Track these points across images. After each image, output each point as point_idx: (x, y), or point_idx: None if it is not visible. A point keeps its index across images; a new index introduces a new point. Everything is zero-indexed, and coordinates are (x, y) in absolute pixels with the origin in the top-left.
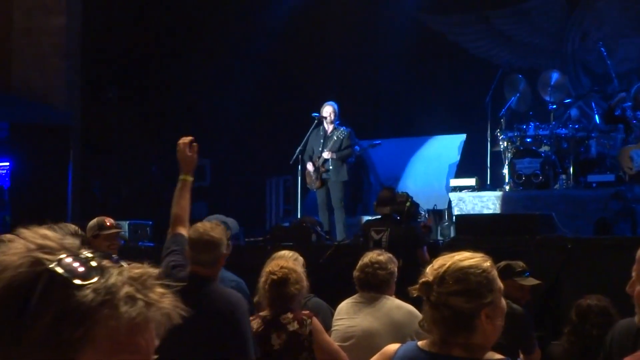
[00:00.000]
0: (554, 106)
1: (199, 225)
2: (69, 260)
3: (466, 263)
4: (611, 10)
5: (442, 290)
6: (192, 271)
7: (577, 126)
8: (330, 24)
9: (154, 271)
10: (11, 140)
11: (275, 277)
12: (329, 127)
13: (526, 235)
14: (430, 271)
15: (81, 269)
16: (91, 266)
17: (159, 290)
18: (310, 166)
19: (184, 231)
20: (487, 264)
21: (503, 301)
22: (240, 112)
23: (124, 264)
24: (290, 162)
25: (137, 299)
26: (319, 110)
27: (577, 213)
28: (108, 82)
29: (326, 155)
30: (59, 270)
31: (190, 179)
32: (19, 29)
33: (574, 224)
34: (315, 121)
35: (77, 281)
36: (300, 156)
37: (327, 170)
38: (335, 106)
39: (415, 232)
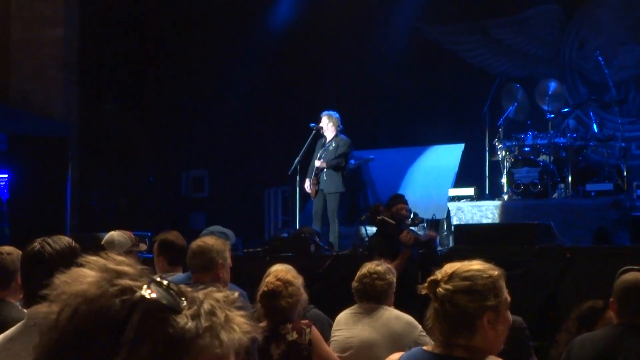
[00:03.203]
0: (552, 115)
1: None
2: (156, 287)
3: (476, 267)
4: (608, 18)
5: (448, 286)
6: (193, 281)
7: (575, 135)
8: (328, 34)
9: (233, 294)
10: (10, 152)
11: (266, 289)
12: (327, 136)
13: (525, 244)
14: (440, 272)
15: (168, 296)
16: (174, 292)
17: (241, 312)
18: (306, 183)
19: None
20: (496, 272)
21: (509, 314)
22: (238, 123)
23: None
24: (289, 173)
25: (233, 324)
26: (317, 121)
27: (576, 222)
28: (106, 93)
29: (317, 163)
30: (154, 298)
31: None
32: (16, 41)
33: (572, 233)
34: (314, 132)
35: (174, 308)
36: (298, 167)
37: (319, 182)
38: (334, 115)
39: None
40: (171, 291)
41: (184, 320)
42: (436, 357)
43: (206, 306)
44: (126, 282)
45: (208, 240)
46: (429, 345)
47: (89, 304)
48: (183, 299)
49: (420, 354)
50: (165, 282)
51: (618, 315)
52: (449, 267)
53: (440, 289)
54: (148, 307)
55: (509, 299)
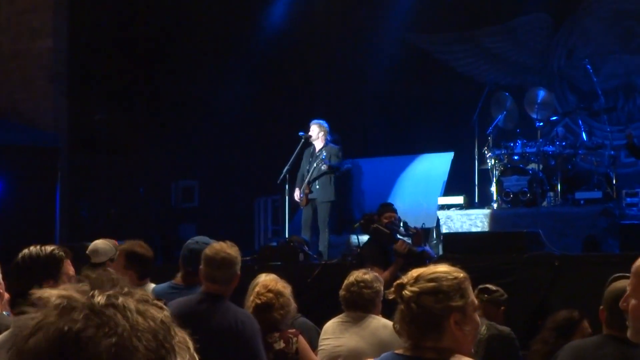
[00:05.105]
0: (541, 123)
1: (215, 244)
2: None
3: (441, 269)
4: (597, 27)
5: (414, 288)
6: (205, 289)
7: (564, 143)
8: (317, 43)
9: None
10: None
11: (259, 301)
12: (317, 145)
13: (514, 253)
14: (405, 276)
15: None
16: None
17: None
18: (296, 193)
19: None
20: (462, 274)
21: (476, 316)
22: (227, 133)
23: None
24: (278, 182)
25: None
26: (306, 129)
27: (565, 230)
28: (95, 104)
29: (323, 167)
30: None
31: None
32: (6, 52)
33: (562, 241)
34: (302, 140)
35: None
36: (287, 175)
37: (311, 191)
38: (324, 124)
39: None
40: None
41: None
42: (407, 358)
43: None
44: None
45: (231, 251)
46: (400, 349)
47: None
48: None
49: (391, 358)
50: None
51: (607, 326)
52: (415, 271)
53: (406, 292)
54: None
55: (475, 301)
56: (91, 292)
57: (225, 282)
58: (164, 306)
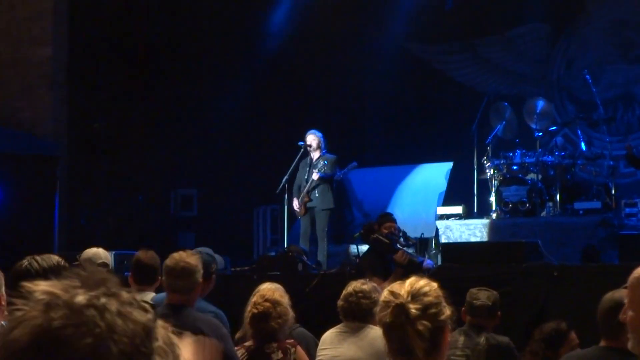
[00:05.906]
0: (540, 134)
1: (174, 254)
2: None
3: (422, 283)
4: (596, 37)
5: (417, 305)
6: (168, 301)
7: (563, 153)
8: (316, 52)
9: None
10: None
11: (256, 311)
12: (314, 155)
13: (512, 263)
14: (394, 295)
15: None
16: None
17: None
18: (294, 203)
19: None
20: (436, 283)
21: None
22: (227, 142)
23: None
24: (277, 192)
25: None
26: (305, 139)
27: (564, 240)
28: (95, 112)
29: (314, 176)
30: None
31: None
32: (5, 60)
33: (560, 252)
34: (302, 150)
35: None
36: (286, 185)
37: (310, 200)
38: (319, 134)
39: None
40: None
41: None
42: None
43: None
44: None
45: (190, 260)
46: None
47: None
48: None
49: None
50: None
51: (603, 337)
52: (401, 289)
53: (412, 310)
54: None
55: None
56: (74, 291)
57: (187, 292)
58: (150, 309)
